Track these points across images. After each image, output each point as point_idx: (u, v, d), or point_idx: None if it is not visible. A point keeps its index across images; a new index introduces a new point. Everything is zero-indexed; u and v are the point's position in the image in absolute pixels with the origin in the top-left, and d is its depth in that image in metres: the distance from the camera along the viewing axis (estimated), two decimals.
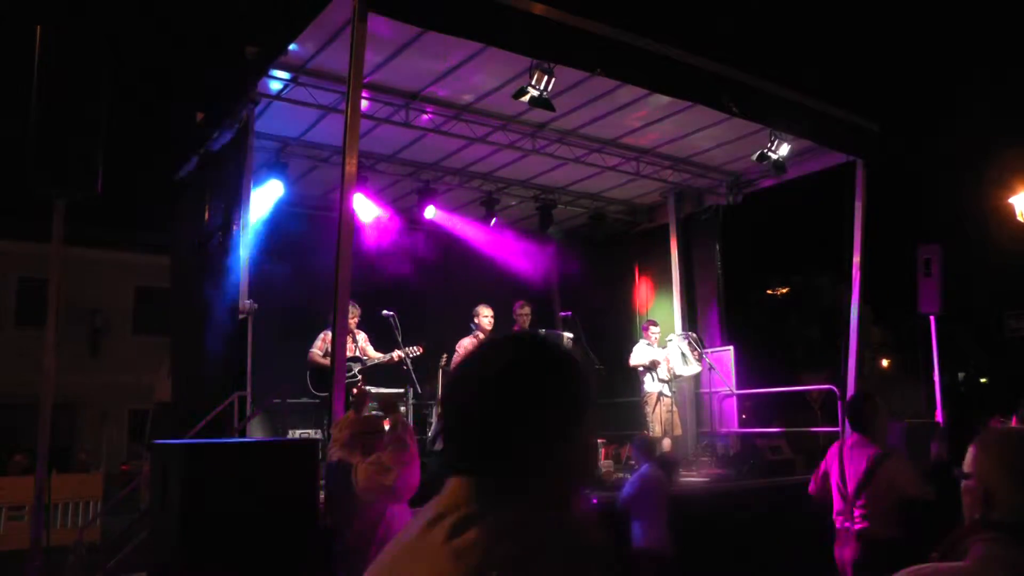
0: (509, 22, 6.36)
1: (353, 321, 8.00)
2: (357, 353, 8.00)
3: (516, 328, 9.01)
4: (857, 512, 4.23)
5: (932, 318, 10.92)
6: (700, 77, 7.59)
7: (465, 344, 8.42)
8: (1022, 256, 15.21)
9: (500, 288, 11.58)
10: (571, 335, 9.16)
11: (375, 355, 8.09)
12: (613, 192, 11.36)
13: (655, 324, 9.50)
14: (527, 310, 9.17)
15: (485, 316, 8.49)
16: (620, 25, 7.04)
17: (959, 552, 1.62)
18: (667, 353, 9.30)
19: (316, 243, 10.00)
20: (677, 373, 9.14)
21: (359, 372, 7.98)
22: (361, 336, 8.15)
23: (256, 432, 7.30)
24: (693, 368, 9.31)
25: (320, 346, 7.94)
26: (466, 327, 8.97)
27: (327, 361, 7.63)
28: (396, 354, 8.14)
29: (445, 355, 8.76)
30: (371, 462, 4.15)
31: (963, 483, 1.72)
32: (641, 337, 9.48)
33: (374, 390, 7.97)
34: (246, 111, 7.27)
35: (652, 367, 9.13)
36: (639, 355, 9.26)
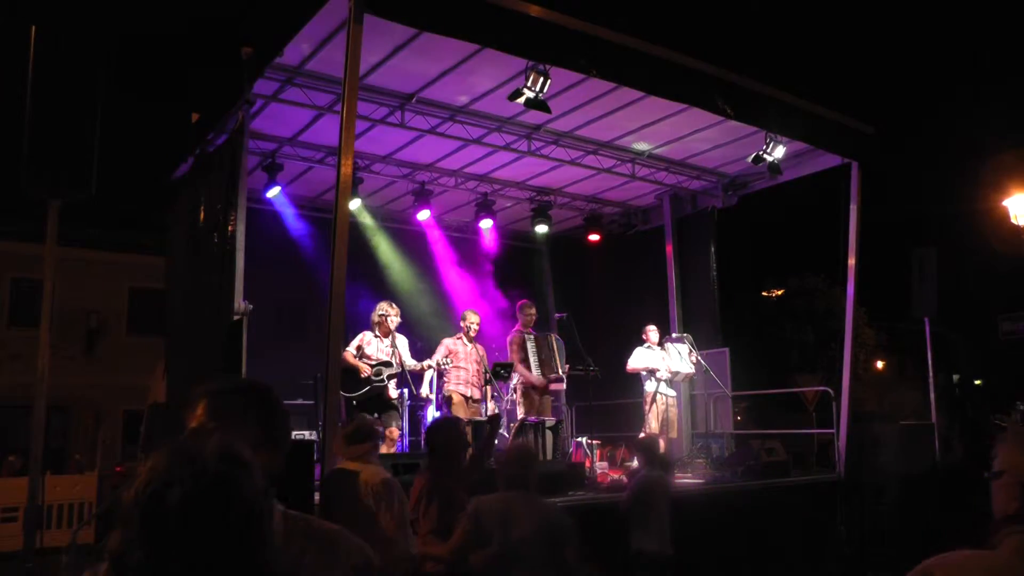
0: (505, 24, 6.35)
1: (395, 322, 7.97)
2: (393, 359, 7.91)
3: (518, 327, 9.00)
4: None
5: (927, 320, 10.96)
6: (695, 79, 7.59)
7: (447, 343, 8.44)
8: (1016, 259, 15.21)
9: (494, 290, 11.62)
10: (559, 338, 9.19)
11: (410, 362, 7.96)
12: (608, 194, 11.37)
13: (653, 326, 9.50)
14: (533, 309, 9.16)
15: (473, 324, 8.51)
16: (615, 27, 7.04)
17: (991, 546, 1.66)
18: (664, 356, 9.31)
19: (311, 244, 10.05)
20: (674, 370, 9.18)
21: (387, 377, 7.85)
22: (402, 340, 8.09)
23: None
24: (687, 368, 9.33)
25: (354, 347, 7.86)
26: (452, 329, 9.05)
27: (355, 361, 7.60)
28: (426, 363, 8.19)
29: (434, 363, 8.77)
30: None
31: (995, 481, 1.73)
32: (642, 340, 9.48)
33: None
34: (241, 112, 7.24)
35: (651, 373, 9.15)
36: (636, 360, 9.29)
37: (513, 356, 8.77)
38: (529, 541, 3.69)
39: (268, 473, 1.24)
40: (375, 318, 7.93)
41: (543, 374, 8.70)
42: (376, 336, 7.90)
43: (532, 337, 8.90)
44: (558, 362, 8.85)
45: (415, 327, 10.13)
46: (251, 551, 1.05)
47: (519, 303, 9.22)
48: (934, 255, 10.91)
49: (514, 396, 8.93)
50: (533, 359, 8.78)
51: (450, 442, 4.42)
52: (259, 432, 1.65)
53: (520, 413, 8.57)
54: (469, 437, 7.35)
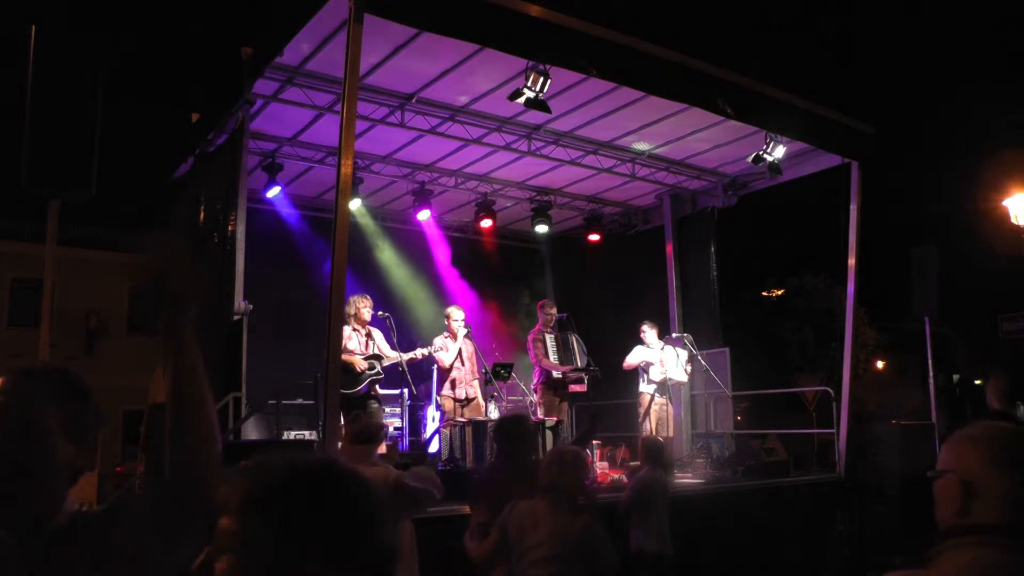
0: (505, 23, 6.35)
1: (369, 313, 7.96)
2: (376, 351, 7.92)
3: (539, 327, 9.01)
4: None
5: (927, 320, 10.96)
6: (695, 79, 7.59)
7: (437, 343, 8.42)
8: (1016, 259, 15.21)
9: (495, 290, 11.62)
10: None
11: (391, 354, 7.91)
12: (609, 194, 11.37)
13: (646, 325, 9.47)
14: (553, 310, 9.17)
15: (455, 320, 8.49)
16: (615, 27, 7.04)
17: (926, 559, 1.43)
18: (663, 355, 9.29)
19: (311, 244, 10.05)
20: (669, 376, 9.15)
21: (381, 369, 7.84)
22: (378, 334, 8.10)
23: (251, 433, 7.28)
24: (681, 376, 9.29)
25: (342, 343, 7.83)
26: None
27: (348, 357, 7.60)
28: (420, 352, 8.17)
29: (425, 351, 8.74)
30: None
31: (938, 482, 1.51)
32: (641, 339, 9.47)
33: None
34: (241, 112, 7.26)
35: (645, 368, 9.14)
36: (633, 356, 9.28)
37: (535, 352, 8.80)
38: (543, 554, 3.47)
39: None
40: (351, 311, 7.92)
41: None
42: (354, 330, 7.90)
43: (552, 336, 8.92)
44: (577, 359, 8.90)
45: (415, 327, 10.13)
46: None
47: (540, 303, 9.27)
48: (934, 255, 10.92)
49: (534, 396, 8.92)
50: (553, 357, 8.83)
51: (509, 438, 4.33)
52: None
53: (540, 413, 8.57)
54: (469, 437, 7.37)
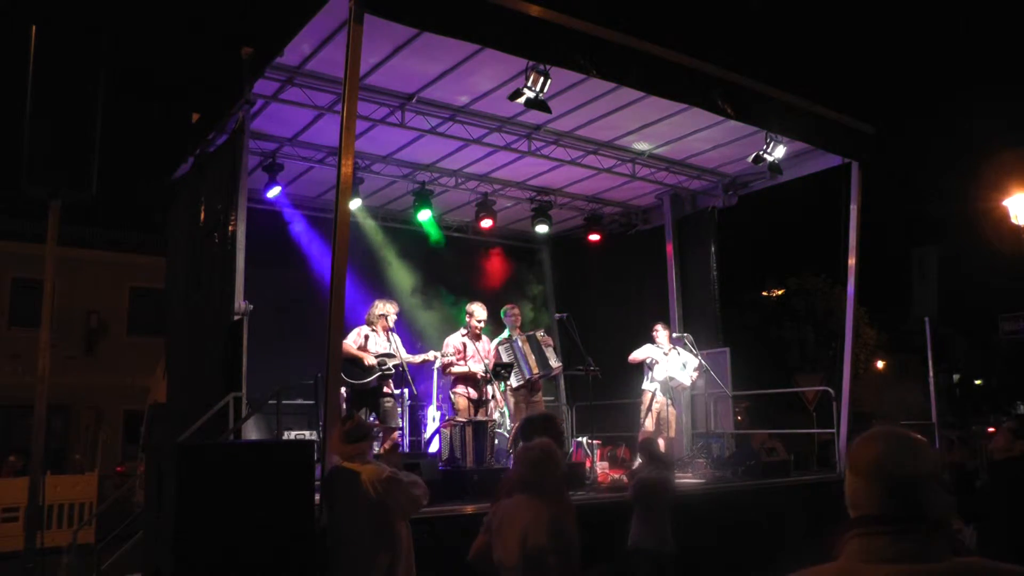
0: (505, 24, 6.35)
1: (393, 319, 7.96)
2: (392, 350, 7.88)
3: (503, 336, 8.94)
4: None
5: (927, 320, 10.98)
6: (695, 79, 7.59)
7: (452, 342, 8.35)
8: (1016, 259, 15.22)
9: (495, 290, 11.62)
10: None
11: (406, 356, 7.92)
12: (609, 194, 11.37)
13: (659, 326, 9.43)
14: (516, 311, 9.11)
15: (477, 320, 8.43)
16: (615, 27, 7.04)
17: (836, 553, 1.64)
18: (668, 357, 9.27)
19: (311, 244, 10.06)
20: (670, 375, 9.14)
21: (393, 366, 7.82)
22: (395, 338, 8.07)
23: (251, 433, 7.28)
24: (685, 379, 9.26)
25: (354, 340, 7.82)
26: (456, 328, 8.98)
27: (360, 353, 7.60)
28: (432, 354, 8.18)
29: (438, 354, 8.73)
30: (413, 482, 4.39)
31: None
32: (652, 339, 9.44)
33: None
34: (242, 112, 7.25)
35: (650, 366, 9.13)
36: (640, 351, 9.26)
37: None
38: (514, 549, 3.46)
39: None
40: (375, 315, 7.90)
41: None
42: (374, 331, 7.89)
43: (506, 347, 8.66)
44: (521, 369, 8.58)
45: (414, 326, 10.13)
46: None
47: (504, 308, 9.15)
48: (934, 255, 10.95)
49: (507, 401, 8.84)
50: (513, 374, 8.58)
51: (536, 437, 4.33)
52: None
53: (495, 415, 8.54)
54: (469, 437, 7.37)
